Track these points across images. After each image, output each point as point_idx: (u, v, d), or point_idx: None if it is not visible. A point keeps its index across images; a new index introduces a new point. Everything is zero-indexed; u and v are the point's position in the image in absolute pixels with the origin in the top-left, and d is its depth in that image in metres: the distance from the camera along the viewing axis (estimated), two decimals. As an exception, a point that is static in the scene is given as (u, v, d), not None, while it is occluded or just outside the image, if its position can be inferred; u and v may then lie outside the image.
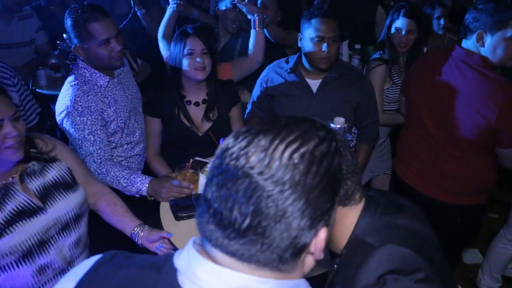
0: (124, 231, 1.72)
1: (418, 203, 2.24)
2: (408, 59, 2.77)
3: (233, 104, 2.40)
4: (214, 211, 0.69)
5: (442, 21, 3.37)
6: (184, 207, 1.93)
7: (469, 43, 1.96)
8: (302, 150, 0.68)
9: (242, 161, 0.67)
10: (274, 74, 2.36)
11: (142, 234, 1.68)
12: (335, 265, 1.17)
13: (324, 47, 2.14)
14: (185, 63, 2.17)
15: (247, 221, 0.66)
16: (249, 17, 2.60)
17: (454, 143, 2.03)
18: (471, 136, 1.94)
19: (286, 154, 0.67)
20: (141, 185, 2.03)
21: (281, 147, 0.67)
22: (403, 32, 2.64)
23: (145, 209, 2.08)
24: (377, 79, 2.63)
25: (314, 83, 2.29)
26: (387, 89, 2.69)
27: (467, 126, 1.94)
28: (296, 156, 0.67)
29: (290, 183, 0.66)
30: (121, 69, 2.21)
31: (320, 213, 0.69)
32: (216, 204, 0.68)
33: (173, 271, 0.74)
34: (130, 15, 3.59)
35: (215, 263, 0.71)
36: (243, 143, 0.69)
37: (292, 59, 2.35)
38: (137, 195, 2.06)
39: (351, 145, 1.90)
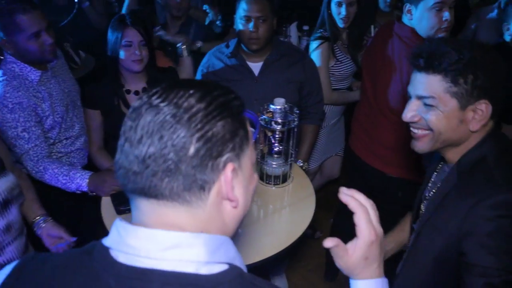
0: (27, 216, 1.74)
1: (365, 174, 2.30)
2: (350, 34, 2.76)
3: None
4: (126, 155, 0.71)
5: (388, -1, 3.38)
6: (126, 200, 1.87)
7: (404, 18, 2.04)
8: (200, 86, 0.73)
9: (145, 99, 0.72)
10: (215, 59, 2.32)
11: (44, 225, 1.74)
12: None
13: (251, 26, 2.13)
14: (122, 54, 2.11)
15: (148, 149, 0.68)
16: (177, 45, 2.55)
17: (383, 111, 2.12)
18: (394, 104, 2.02)
19: (184, 88, 0.72)
20: (81, 180, 1.96)
21: (180, 87, 0.73)
22: (344, 5, 2.62)
23: (85, 206, 2.03)
24: (321, 58, 2.62)
25: (255, 66, 2.26)
26: (332, 67, 2.68)
27: (391, 95, 2.04)
28: (193, 89, 0.72)
29: (184, 107, 0.69)
30: (55, 61, 2.11)
31: (219, 144, 0.70)
32: (126, 146, 0.71)
33: (105, 249, 0.73)
34: (74, 11, 3.44)
35: (146, 227, 0.71)
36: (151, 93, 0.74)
37: (233, 43, 2.31)
38: (78, 191, 1.99)
39: (293, 125, 1.88)
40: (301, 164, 2.32)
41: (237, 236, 1.69)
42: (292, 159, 2.01)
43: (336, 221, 2.86)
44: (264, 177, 1.97)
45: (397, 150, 2.13)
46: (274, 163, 1.95)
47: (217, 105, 0.71)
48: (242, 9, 2.14)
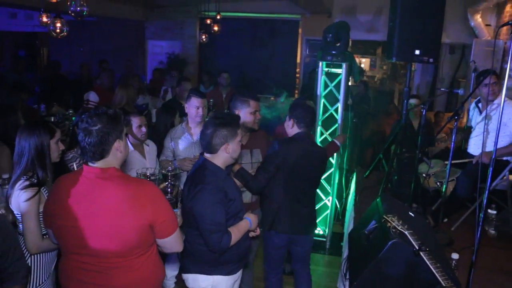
0: None
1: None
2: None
3: None
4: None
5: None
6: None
7: (99, 162, 2.04)
8: None
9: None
10: None
11: None
12: None
13: None
14: None
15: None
16: None
17: (125, 253, 2.06)
18: (138, 239, 2.05)
19: None
20: None
21: None
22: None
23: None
24: (31, 205, 2.42)
25: None
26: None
27: (130, 233, 2.02)
28: None
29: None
30: None
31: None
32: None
33: None
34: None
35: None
36: None
37: None
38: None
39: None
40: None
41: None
42: None
43: None
44: None
45: (144, 282, 2.19)
46: None
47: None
48: None
